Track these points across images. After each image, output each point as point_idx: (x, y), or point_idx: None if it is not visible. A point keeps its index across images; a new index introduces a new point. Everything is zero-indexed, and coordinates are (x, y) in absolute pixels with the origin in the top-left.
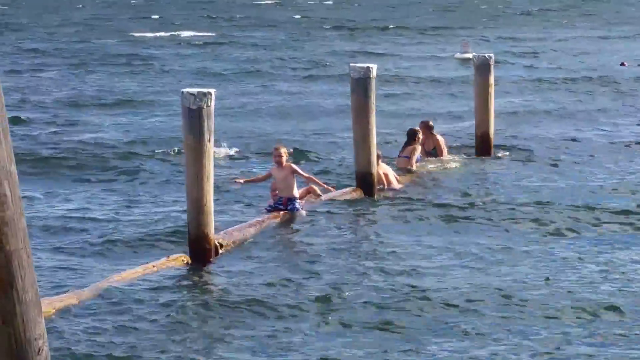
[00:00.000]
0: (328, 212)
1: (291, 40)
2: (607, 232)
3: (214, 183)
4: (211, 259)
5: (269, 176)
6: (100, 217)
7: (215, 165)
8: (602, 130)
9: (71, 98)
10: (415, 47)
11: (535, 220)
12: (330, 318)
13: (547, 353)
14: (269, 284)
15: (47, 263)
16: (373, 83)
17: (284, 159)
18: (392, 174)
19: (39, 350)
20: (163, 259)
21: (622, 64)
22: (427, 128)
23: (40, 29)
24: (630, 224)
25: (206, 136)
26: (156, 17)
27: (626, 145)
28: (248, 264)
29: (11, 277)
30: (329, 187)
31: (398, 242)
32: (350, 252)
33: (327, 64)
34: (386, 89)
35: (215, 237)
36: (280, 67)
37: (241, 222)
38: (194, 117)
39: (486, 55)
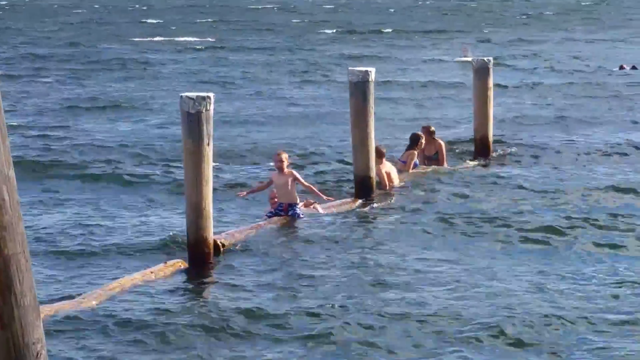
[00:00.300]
0: (327, 221)
1: (289, 44)
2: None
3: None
4: (211, 260)
5: (270, 183)
6: (97, 223)
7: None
8: (601, 134)
9: (67, 103)
10: (414, 51)
11: (536, 228)
12: (321, 332)
13: None
14: (265, 293)
15: (43, 270)
16: (371, 87)
17: (285, 164)
18: (394, 174)
19: (37, 354)
20: (161, 265)
21: (622, 67)
22: (429, 133)
23: (37, 33)
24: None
25: (205, 140)
26: (154, 21)
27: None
28: (246, 272)
29: (9, 281)
30: (328, 198)
31: (395, 254)
32: (347, 263)
33: (326, 67)
34: (381, 93)
35: (217, 238)
36: (278, 71)
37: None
38: (193, 121)
39: (485, 58)
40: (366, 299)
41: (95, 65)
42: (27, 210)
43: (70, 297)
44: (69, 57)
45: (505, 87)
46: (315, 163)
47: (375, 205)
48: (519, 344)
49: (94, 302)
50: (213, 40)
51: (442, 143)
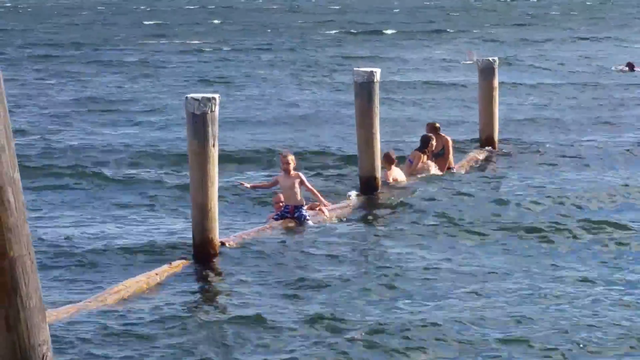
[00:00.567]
0: (332, 225)
1: (294, 44)
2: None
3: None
4: (217, 261)
5: (275, 183)
6: (102, 225)
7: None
8: (604, 134)
9: (71, 104)
10: (418, 51)
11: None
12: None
13: None
14: (270, 296)
15: (48, 273)
16: (377, 87)
17: (292, 166)
18: (403, 180)
19: (43, 356)
20: (165, 266)
21: (631, 67)
22: (434, 129)
23: (41, 34)
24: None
25: (210, 141)
26: (158, 22)
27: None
28: (251, 274)
29: (15, 283)
30: (327, 203)
31: (399, 258)
32: (352, 267)
33: (330, 68)
34: (385, 93)
35: (225, 240)
36: (283, 72)
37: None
38: (198, 123)
39: (490, 59)
40: (370, 304)
41: (99, 66)
42: (31, 212)
43: (75, 300)
44: (72, 58)
45: (512, 85)
46: (320, 164)
47: (378, 207)
48: (525, 346)
49: (99, 305)
50: (217, 41)
51: (449, 139)
